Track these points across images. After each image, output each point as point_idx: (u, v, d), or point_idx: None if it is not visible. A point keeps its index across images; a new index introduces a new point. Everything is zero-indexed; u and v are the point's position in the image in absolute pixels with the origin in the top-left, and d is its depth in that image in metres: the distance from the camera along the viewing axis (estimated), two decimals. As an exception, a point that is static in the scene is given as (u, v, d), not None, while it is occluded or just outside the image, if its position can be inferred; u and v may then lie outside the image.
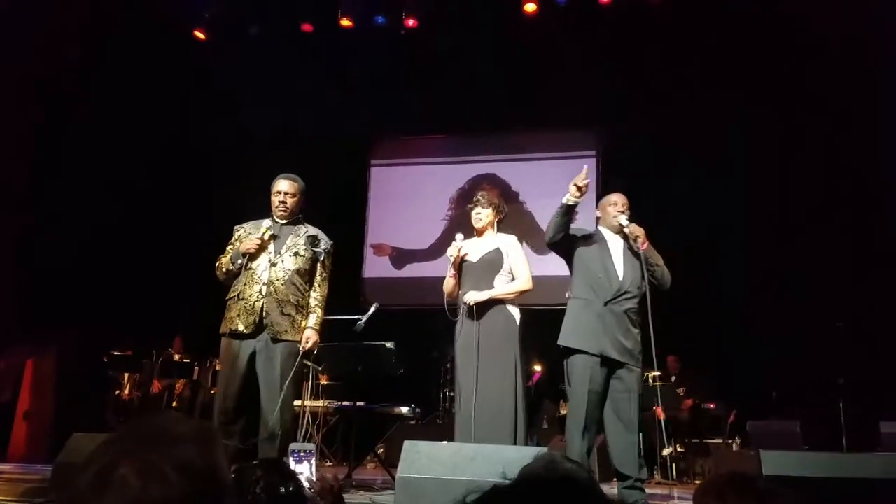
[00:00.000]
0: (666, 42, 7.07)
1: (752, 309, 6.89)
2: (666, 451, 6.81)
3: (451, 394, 6.15)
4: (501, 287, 3.63)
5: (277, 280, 3.41)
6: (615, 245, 3.57)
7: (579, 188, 3.30)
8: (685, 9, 6.90)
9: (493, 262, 3.68)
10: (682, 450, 6.91)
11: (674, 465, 6.81)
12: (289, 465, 2.07)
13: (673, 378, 7.03)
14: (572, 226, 3.51)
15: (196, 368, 7.18)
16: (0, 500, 2.80)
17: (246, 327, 3.34)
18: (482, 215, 3.77)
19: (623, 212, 3.57)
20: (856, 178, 6.72)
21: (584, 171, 3.34)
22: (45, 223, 6.55)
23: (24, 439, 5.96)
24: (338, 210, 8.17)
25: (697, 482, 6.49)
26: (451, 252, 3.68)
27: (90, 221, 6.58)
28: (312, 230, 3.63)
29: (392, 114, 8.00)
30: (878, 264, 6.60)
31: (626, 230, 3.50)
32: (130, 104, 6.81)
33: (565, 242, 3.51)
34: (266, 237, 3.45)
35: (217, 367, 6.85)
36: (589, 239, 3.60)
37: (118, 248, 6.87)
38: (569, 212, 3.39)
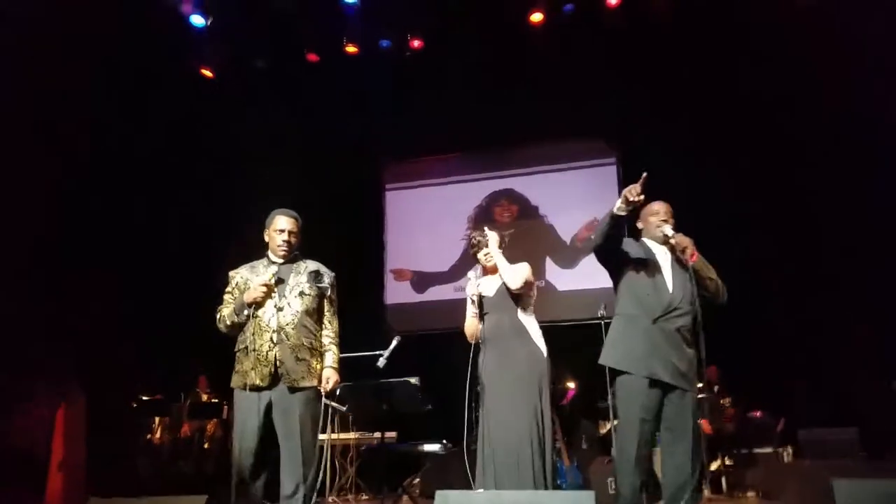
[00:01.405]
0: (675, 46, 6.91)
1: (793, 313, 6.61)
2: (715, 465, 6.52)
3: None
4: (505, 262, 3.57)
5: (287, 325, 3.22)
6: (663, 258, 3.30)
7: (628, 200, 2.97)
8: (691, 13, 6.73)
9: (506, 295, 3.58)
10: (731, 462, 6.60)
11: (723, 479, 6.50)
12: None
13: (716, 388, 6.73)
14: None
15: (226, 407, 7.09)
16: None
17: (262, 380, 3.16)
18: (492, 253, 3.66)
19: (666, 221, 3.30)
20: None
21: (641, 180, 2.99)
22: (68, 269, 6.57)
23: (59, 490, 5.94)
24: (356, 238, 8.13)
25: (750, 495, 6.22)
26: (472, 291, 3.59)
27: (110, 264, 6.59)
28: (312, 264, 3.45)
29: (404, 135, 7.94)
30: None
31: (671, 241, 3.23)
32: (141, 150, 6.83)
33: (614, 255, 3.25)
34: (272, 282, 3.26)
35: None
36: (635, 251, 3.33)
37: (140, 288, 6.86)
38: (615, 223, 3.07)
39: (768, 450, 6.57)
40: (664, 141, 7.12)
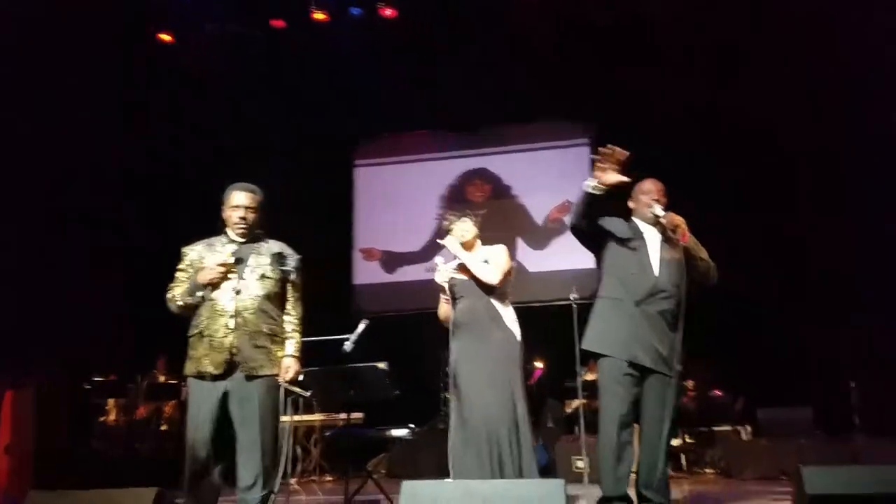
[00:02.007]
0: (650, 27, 6.87)
1: (755, 294, 6.72)
2: (676, 442, 6.63)
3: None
4: (473, 261, 3.43)
5: (245, 310, 3.00)
6: (651, 238, 3.19)
7: (602, 175, 2.86)
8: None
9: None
10: (692, 440, 6.73)
11: (683, 457, 6.62)
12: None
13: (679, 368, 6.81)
14: (605, 217, 3.15)
15: (184, 388, 6.90)
16: None
17: (216, 367, 2.95)
18: (467, 228, 3.52)
19: (657, 200, 3.17)
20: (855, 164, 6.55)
21: (607, 152, 2.86)
22: (22, 250, 6.31)
23: (6, 473, 5.75)
24: (323, 215, 7.95)
25: (709, 472, 6.36)
26: (441, 279, 3.43)
27: (64, 245, 6.35)
28: (275, 245, 3.21)
29: (375, 110, 7.75)
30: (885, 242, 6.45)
31: (662, 221, 3.11)
32: (96, 116, 6.53)
33: (591, 234, 3.13)
34: (230, 262, 3.02)
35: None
36: (622, 230, 3.21)
37: (94, 269, 6.63)
38: (588, 202, 2.97)
39: (727, 428, 6.71)
40: (638, 123, 7.11)
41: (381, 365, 3.91)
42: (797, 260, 6.79)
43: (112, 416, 6.88)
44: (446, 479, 2.88)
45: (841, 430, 5.89)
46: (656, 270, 3.07)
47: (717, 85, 6.89)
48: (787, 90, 6.63)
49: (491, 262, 3.47)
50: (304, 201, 7.48)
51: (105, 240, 6.86)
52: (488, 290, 3.41)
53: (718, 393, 6.90)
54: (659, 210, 3.11)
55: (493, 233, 3.72)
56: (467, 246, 3.54)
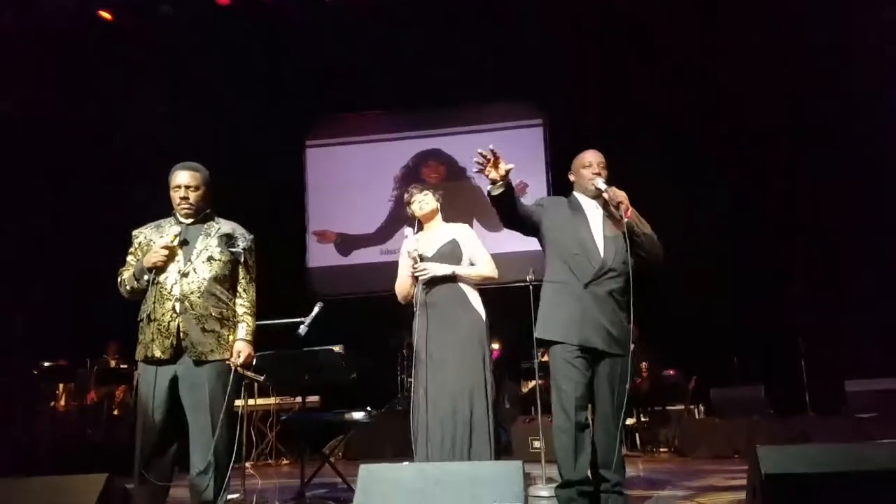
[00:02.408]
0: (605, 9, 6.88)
1: (707, 275, 6.84)
2: (630, 421, 6.74)
3: (410, 379, 5.94)
4: (465, 268, 3.37)
5: (192, 293, 2.92)
6: (593, 214, 3.08)
7: (489, 173, 2.79)
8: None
9: (452, 254, 3.39)
10: (646, 419, 6.85)
11: (637, 436, 6.74)
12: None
13: (632, 346, 6.90)
14: (542, 197, 3.09)
15: (135, 373, 6.75)
16: None
17: (163, 352, 2.87)
18: (426, 201, 3.45)
19: (599, 173, 3.05)
20: (810, 146, 6.69)
21: (487, 153, 2.80)
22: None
23: None
24: (276, 197, 7.80)
25: (663, 450, 6.49)
26: (410, 247, 3.35)
27: (7, 228, 6.12)
28: (226, 225, 3.11)
29: (327, 89, 7.60)
30: (833, 225, 6.62)
31: (604, 195, 3.00)
32: (38, 93, 6.27)
33: (522, 223, 3.03)
34: (175, 244, 2.94)
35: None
36: (561, 210, 3.10)
37: (40, 254, 6.41)
38: (498, 201, 2.88)
39: (680, 407, 6.84)
40: (590, 104, 7.14)
41: (337, 348, 3.86)
42: (753, 240, 6.92)
43: (62, 402, 6.71)
44: (404, 462, 2.86)
45: (792, 410, 6.05)
46: (601, 249, 2.99)
47: (667, 62, 6.93)
48: (742, 61, 6.68)
49: (477, 260, 3.42)
50: (257, 183, 7.34)
51: (53, 223, 6.62)
52: (456, 264, 3.37)
53: (671, 372, 7.02)
54: (601, 184, 3.01)
55: (449, 214, 3.66)
56: (426, 218, 3.47)
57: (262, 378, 3.73)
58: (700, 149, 7.02)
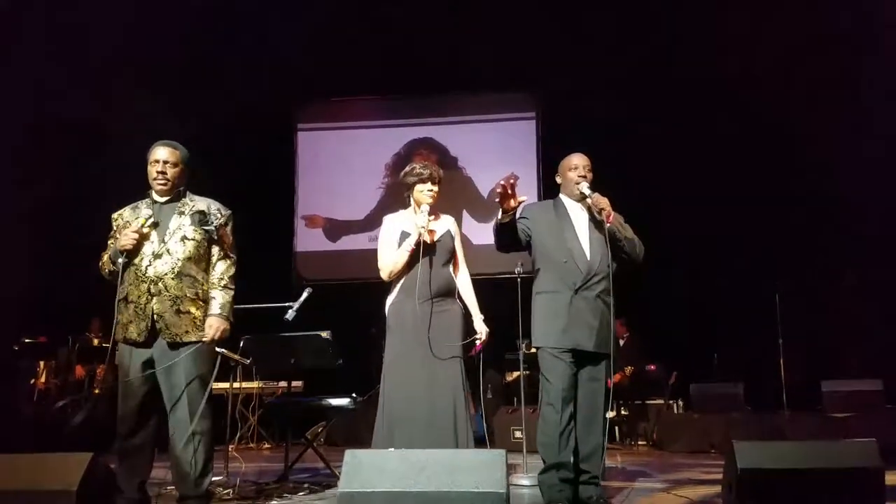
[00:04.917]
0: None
1: (692, 271, 6.92)
2: (610, 415, 6.80)
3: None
4: (474, 307, 3.37)
5: (166, 275, 2.91)
6: (579, 218, 3.12)
7: (505, 204, 2.85)
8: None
9: (448, 248, 3.35)
10: (626, 413, 6.94)
11: (617, 429, 6.83)
12: None
13: (622, 342, 6.98)
14: (525, 207, 3.08)
15: (117, 351, 6.72)
16: None
17: (139, 334, 2.87)
18: (434, 192, 3.32)
19: (584, 176, 3.08)
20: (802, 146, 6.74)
21: (509, 181, 2.83)
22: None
23: None
24: (264, 180, 7.75)
25: (641, 444, 6.58)
26: (421, 223, 3.21)
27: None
28: (200, 203, 3.07)
29: (319, 73, 7.55)
30: (817, 226, 6.70)
31: (588, 200, 3.04)
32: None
33: (516, 245, 3.10)
34: (146, 228, 2.93)
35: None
36: (546, 217, 3.13)
37: (21, 229, 6.33)
38: (502, 231, 2.97)
39: (660, 401, 6.94)
40: (583, 97, 7.14)
41: (324, 334, 3.85)
42: (741, 236, 6.98)
43: (43, 380, 6.67)
44: (389, 448, 2.87)
45: (769, 407, 6.14)
46: (588, 254, 3.04)
47: (667, 55, 6.95)
48: (740, 47, 6.70)
49: (460, 265, 3.41)
50: (247, 165, 7.29)
51: (35, 201, 6.53)
52: (449, 255, 3.37)
53: (652, 368, 7.11)
54: (585, 188, 3.05)
55: (439, 203, 3.63)
56: (429, 205, 3.32)
57: (248, 361, 3.74)
58: (703, 135, 7.03)
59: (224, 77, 7.19)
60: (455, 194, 7.64)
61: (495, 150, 7.86)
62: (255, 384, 6.13)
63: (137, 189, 3.14)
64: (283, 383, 6.18)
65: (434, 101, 8.19)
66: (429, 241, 3.25)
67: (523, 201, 2.93)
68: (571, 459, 2.97)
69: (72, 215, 6.47)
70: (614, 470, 4.57)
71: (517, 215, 3.04)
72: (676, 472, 4.51)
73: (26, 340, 6.43)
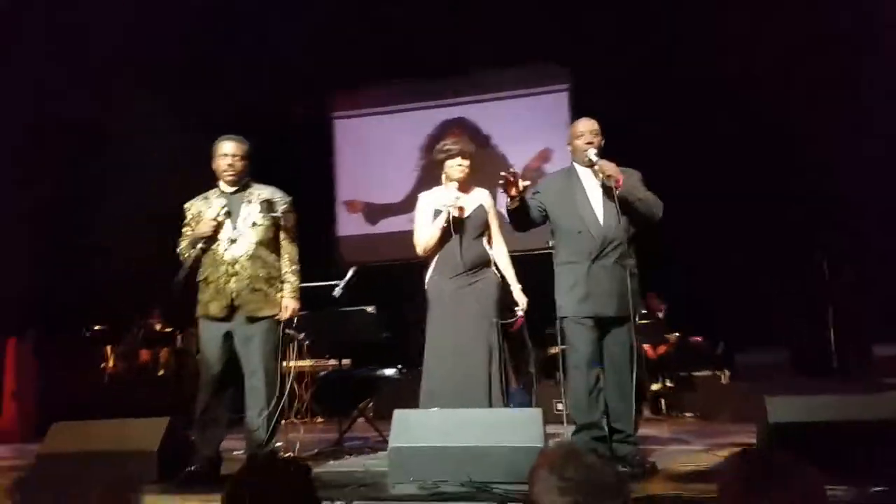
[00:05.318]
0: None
1: (735, 240, 6.84)
2: (655, 387, 6.84)
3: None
4: (512, 276, 3.48)
5: (241, 257, 3.25)
6: (591, 185, 3.13)
7: (510, 191, 2.97)
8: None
9: (481, 221, 3.46)
10: (672, 385, 6.94)
11: (663, 401, 6.84)
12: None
13: (659, 315, 6.99)
14: (539, 182, 3.22)
15: (178, 336, 7.11)
16: None
17: (219, 311, 3.22)
18: (464, 165, 3.45)
19: (591, 143, 3.10)
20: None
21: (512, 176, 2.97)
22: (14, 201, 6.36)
23: (14, 419, 6.06)
24: (306, 169, 7.95)
25: (688, 415, 6.59)
26: (449, 202, 3.36)
27: (58, 195, 6.39)
28: (265, 191, 3.41)
29: (351, 61, 7.65)
30: (860, 191, 6.54)
31: (595, 168, 3.07)
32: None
33: (533, 224, 3.21)
34: (221, 217, 3.26)
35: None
36: (558, 187, 3.18)
37: (88, 220, 6.66)
38: (515, 214, 3.07)
39: (706, 373, 6.91)
40: (616, 68, 7.08)
41: (370, 309, 4.05)
42: (786, 207, 6.88)
43: (111, 364, 7.08)
44: (433, 408, 3.04)
45: (818, 374, 6.08)
46: (601, 221, 3.06)
47: (699, 26, 6.84)
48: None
49: (494, 235, 3.50)
50: (289, 156, 7.48)
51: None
52: (484, 228, 3.45)
53: (698, 339, 7.09)
54: (593, 155, 3.07)
55: (474, 182, 3.72)
56: (461, 180, 3.46)
57: (302, 336, 3.97)
58: (738, 112, 6.93)
59: (259, 74, 7.32)
60: (488, 172, 7.62)
61: (527, 125, 7.80)
62: (307, 362, 6.37)
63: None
64: (332, 361, 6.41)
65: (464, 80, 8.15)
66: (457, 216, 3.37)
67: (527, 186, 3.05)
68: (602, 419, 3.07)
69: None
70: (659, 437, 4.63)
71: (531, 194, 3.15)
72: (720, 438, 4.53)
73: (96, 327, 6.85)
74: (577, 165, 3.24)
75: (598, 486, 1.06)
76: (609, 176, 3.01)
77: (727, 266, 6.85)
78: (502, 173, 3.02)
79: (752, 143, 6.88)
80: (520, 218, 3.13)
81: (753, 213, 6.90)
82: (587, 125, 3.19)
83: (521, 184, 3.02)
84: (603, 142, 3.18)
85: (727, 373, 6.91)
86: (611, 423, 3.08)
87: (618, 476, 1.13)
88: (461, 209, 3.40)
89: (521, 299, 3.43)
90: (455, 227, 3.37)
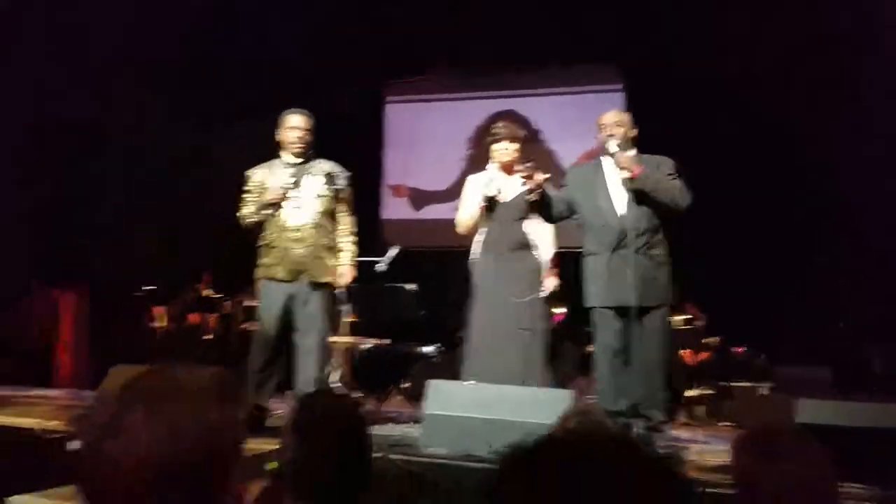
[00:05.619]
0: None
1: (786, 253, 6.73)
2: (693, 393, 6.80)
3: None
4: (547, 247, 3.52)
5: (306, 224, 3.43)
6: (614, 177, 3.18)
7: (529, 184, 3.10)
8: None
9: (524, 205, 3.49)
10: (708, 392, 6.89)
11: (698, 408, 6.79)
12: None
13: (698, 323, 6.93)
14: (567, 173, 3.28)
15: (227, 303, 7.33)
16: (54, 425, 2.93)
17: (284, 274, 3.39)
18: (509, 149, 3.53)
19: (613, 135, 3.15)
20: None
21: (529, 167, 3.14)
22: (77, 163, 6.61)
23: (68, 368, 6.36)
24: (354, 151, 8.04)
25: (722, 424, 6.52)
26: (488, 191, 3.46)
27: (118, 159, 6.61)
28: (326, 165, 3.59)
29: (407, 48, 7.72)
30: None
31: (614, 160, 3.12)
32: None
33: (561, 216, 3.29)
34: (289, 185, 3.43)
35: (246, 304, 7.03)
36: (583, 180, 3.26)
37: (147, 184, 6.90)
38: (539, 205, 3.19)
39: (746, 384, 6.83)
40: (671, 69, 7.01)
41: (410, 286, 4.17)
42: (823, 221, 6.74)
43: (160, 324, 7.35)
44: (467, 382, 3.14)
45: (857, 393, 5.94)
46: (619, 212, 3.10)
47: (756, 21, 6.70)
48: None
49: (539, 229, 3.55)
50: (339, 137, 7.59)
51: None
52: (527, 210, 3.50)
53: (740, 350, 7.01)
54: (613, 147, 3.11)
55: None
56: (505, 165, 3.54)
57: (347, 307, 4.12)
58: (789, 121, 6.80)
59: (315, 58, 7.41)
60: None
61: (578, 123, 7.64)
62: (347, 339, 6.52)
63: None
64: (372, 340, 6.54)
65: (518, 74, 8.12)
66: (492, 197, 3.46)
67: (546, 178, 3.16)
68: (626, 405, 3.11)
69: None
70: (690, 440, 4.62)
71: (553, 188, 3.27)
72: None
73: (146, 288, 7.12)
74: (602, 158, 3.31)
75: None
76: (623, 167, 3.03)
77: (776, 278, 6.76)
78: (517, 167, 3.09)
79: (812, 142, 6.74)
80: (542, 210, 3.24)
81: (812, 226, 6.78)
82: (609, 118, 3.25)
83: (541, 176, 3.10)
84: (633, 132, 3.20)
85: (766, 385, 6.83)
86: (641, 411, 3.12)
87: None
88: (498, 191, 3.47)
89: (548, 283, 3.44)
90: (491, 208, 3.45)
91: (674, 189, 3.12)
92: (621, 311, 3.12)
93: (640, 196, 3.07)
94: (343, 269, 3.52)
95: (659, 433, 3.13)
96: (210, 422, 0.84)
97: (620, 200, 3.15)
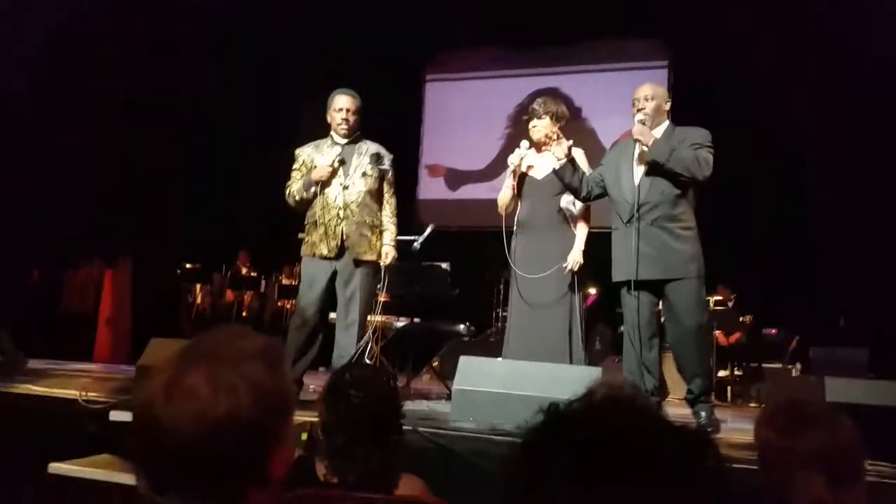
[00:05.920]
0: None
1: (819, 233, 6.62)
2: (723, 374, 6.78)
3: (504, 313, 6.19)
4: (579, 236, 3.51)
5: (352, 203, 3.49)
6: (638, 151, 3.17)
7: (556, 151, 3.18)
8: None
9: (559, 183, 3.44)
10: (740, 373, 6.86)
11: (729, 388, 6.78)
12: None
13: (730, 304, 6.88)
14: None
15: (263, 282, 7.50)
16: (93, 396, 3.05)
17: (330, 251, 3.46)
18: (538, 126, 3.52)
19: (641, 109, 3.12)
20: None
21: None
22: (118, 139, 6.73)
23: (107, 343, 6.55)
24: (391, 129, 8.07)
25: (752, 405, 6.49)
26: (513, 160, 3.50)
27: (160, 138, 6.73)
28: (373, 146, 3.64)
29: (448, 24, 7.67)
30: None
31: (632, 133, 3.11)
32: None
33: (591, 195, 3.28)
34: (336, 164, 3.49)
35: (282, 282, 7.17)
36: (615, 157, 3.30)
37: (186, 163, 7.04)
38: (561, 178, 3.21)
39: (778, 365, 6.78)
40: (720, 45, 6.86)
41: (444, 265, 4.23)
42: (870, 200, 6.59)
43: (198, 300, 7.56)
44: (497, 358, 3.20)
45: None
46: (636, 185, 3.09)
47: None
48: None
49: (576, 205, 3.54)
50: (376, 114, 7.61)
51: (198, 133, 6.97)
52: (560, 191, 3.48)
53: (773, 331, 6.95)
54: (637, 120, 3.11)
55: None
56: (539, 145, 3.55)
57: (380, 286, 4.19)
58: (836, 99, 6.64)
59: (356, 35, 7.45)
60: (575, 145, 7.58)
61: (621, 101, 7.48)
62: (380, 317, 6.62)
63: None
64: (404, 319, 6.63)
65: (560, 51, 7.99)
66: (520, 171, 3.50)
67: (570, 145, 3.23)
68: (654, 385, 3.12)
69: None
70: (724, 423, 4.61)
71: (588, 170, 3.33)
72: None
73: (186, 265, 7.30)
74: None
75: None
76: (637, 139, 3.08)
77: (811, 258, 6.65)
78: (550, 144, 3.15)
79: (849, 133, 6.58)
80: (573, 183, 3.26)
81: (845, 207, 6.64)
82: (639, 92, 3.23)
83: (565, 144, 3.21)
84: (666, 104, 3.19)
85: (798, 366, 6.77)
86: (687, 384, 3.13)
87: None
88: (517, 167, 3.50)
89: (571, 257, 3.43)
90: (518, 185, 3.50)
91: (687, 159, 3.03)
92: (647, 286, 3.10)
93: (655, 167, 3.06)
94: (387, 248, 3.58)
95: (706, 405, 3.09)
96: (264, 385, 0.86)
97: (638, 175, 3.15)
